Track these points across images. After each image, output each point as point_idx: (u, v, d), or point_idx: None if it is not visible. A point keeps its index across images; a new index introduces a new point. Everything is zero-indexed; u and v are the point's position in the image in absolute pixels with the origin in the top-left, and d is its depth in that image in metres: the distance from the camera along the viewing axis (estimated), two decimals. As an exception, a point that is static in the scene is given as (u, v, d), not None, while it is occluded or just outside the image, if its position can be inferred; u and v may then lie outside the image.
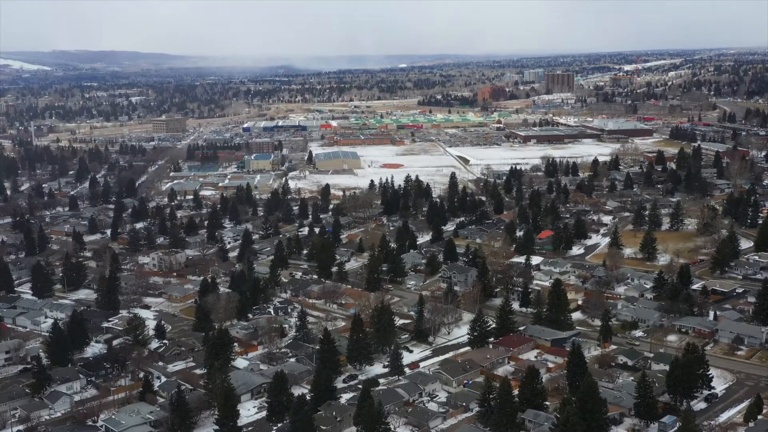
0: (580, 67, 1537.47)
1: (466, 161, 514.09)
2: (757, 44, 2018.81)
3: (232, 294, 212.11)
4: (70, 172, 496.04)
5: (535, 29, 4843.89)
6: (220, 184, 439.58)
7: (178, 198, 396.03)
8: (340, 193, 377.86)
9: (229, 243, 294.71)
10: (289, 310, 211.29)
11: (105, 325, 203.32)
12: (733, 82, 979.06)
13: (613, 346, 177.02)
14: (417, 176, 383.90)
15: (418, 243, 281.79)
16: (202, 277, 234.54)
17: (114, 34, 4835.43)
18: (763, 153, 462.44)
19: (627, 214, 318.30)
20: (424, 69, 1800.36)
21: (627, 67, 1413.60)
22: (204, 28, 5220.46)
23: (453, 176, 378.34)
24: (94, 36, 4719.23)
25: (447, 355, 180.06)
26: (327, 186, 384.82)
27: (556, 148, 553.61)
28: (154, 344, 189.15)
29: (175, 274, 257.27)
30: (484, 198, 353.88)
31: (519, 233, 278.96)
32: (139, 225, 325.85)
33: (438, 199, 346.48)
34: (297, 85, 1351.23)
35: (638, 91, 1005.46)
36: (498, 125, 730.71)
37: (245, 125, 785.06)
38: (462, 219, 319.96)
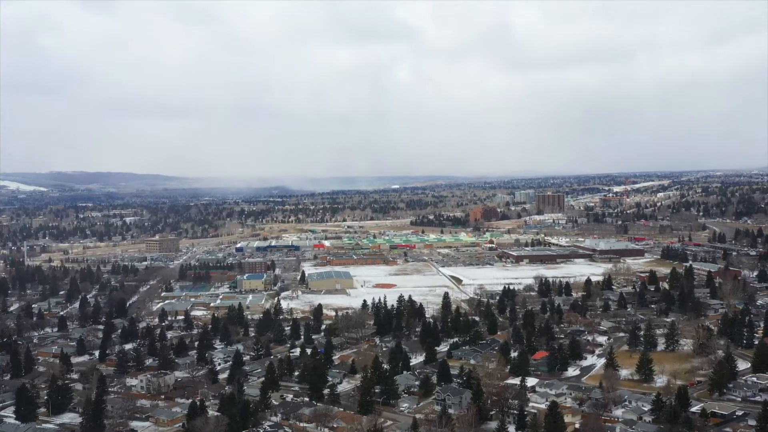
0: (570, 188, 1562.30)
1: (458, 281, 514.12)
2: (742, 166, 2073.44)
3: (221, 417, 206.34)
4: (61, 292, 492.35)
5: (524, 152, 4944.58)
6: (211, 304, 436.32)
7: (169, 318, 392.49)
8: (333, 313, 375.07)
9: (220, 364, 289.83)
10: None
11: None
12: (721, 203, 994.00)
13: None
14: (410, 296, 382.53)
15: (411, 364, 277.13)
16: (190, 400, 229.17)
17: (110, 156, 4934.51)
18: (755, 273, 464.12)
19: (622, 334, 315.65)
20: (416, 190, 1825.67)
21: (616, 189, 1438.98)
22: (199, 149, 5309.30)
23: (446, 296, 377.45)
24: (91, 157, 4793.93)
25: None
26: (319, 306, 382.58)
27: (548, 268, 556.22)
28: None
29: (163, 396, 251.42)
30: (477, 318, 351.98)
31: (513, 354, 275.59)
32: (128, 346, 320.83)
33: (431, 320, 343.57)
34: (290, 206, 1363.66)
35: (628, 211, 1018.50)
36: (490, 245, 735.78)
37: (238, 245, 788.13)
38: (455, 339, 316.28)
